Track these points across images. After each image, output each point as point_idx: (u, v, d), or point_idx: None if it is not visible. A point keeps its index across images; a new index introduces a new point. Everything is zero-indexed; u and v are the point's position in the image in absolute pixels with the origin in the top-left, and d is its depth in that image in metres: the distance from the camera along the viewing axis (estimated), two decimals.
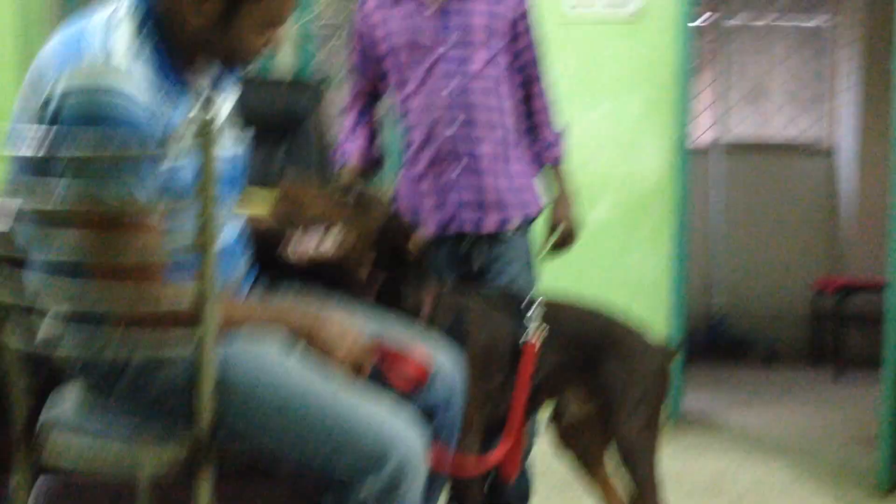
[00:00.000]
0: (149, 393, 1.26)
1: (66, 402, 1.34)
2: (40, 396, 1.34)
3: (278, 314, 1.32)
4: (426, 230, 2.15)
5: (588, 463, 2.00)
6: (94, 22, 1.22)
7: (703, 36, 5.37)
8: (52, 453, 1.29)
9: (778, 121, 5.64)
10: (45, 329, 1.29)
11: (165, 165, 1.22)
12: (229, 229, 1.41)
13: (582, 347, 1.82)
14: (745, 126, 5.63)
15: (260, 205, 2.00)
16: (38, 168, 1.18)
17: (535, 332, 1.77)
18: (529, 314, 1.79)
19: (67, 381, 1.34)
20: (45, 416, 1.32)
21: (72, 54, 1.16)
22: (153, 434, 1.28)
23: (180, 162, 1.23)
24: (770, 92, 5.64)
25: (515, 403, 1.72)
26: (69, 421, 1.31)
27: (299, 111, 2.89)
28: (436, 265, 2.17)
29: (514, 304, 1.83)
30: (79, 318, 1.25)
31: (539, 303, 1.83)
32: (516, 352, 1.75)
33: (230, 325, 1.26)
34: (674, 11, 3.43)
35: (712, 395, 4.30)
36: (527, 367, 1.74)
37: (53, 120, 1.14)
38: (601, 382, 1.81)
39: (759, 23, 5.58)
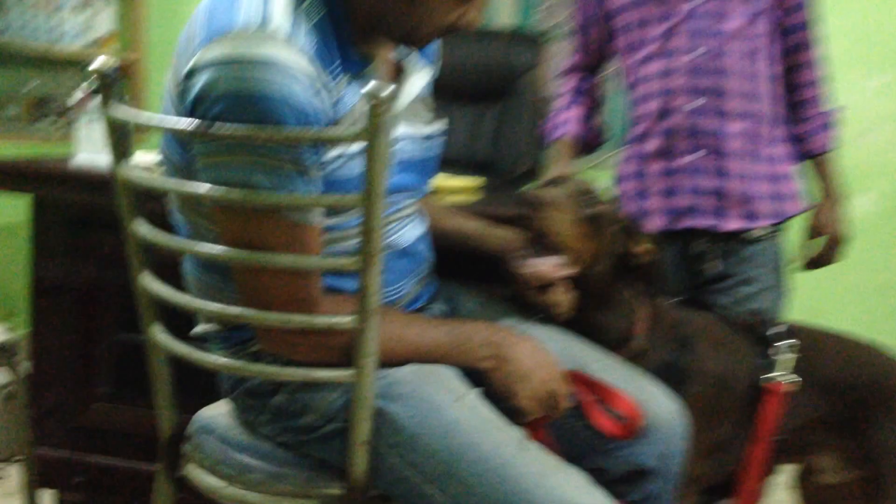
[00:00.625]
0: (299, 419, 1.07)
1: (218, 413, 1.18)
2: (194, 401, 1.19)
3: (457, 337, 1.08)
4: (650, 223, 1.81)
5: None
6: None
7: None
8: (194, 465, 1.14)
9: None
10: (198, 329, 1.14)
11: (333, 153, 0.99)
12: (411, 228, 1.18)
13: (844, 398, 1.42)
14: None
15: (455, 192, 1.78)
16: (183, 149, 1.00)
17: (783, 369, 1.39)
18: (777, 345, 1.41)
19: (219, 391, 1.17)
20: (193, 425, 1.17)
21: (223, 17, 0.95)
22: (303, 467, 1.09)
23: (352, 150, 1.01)
24: None
25: (750, 460, 1.37)
26: (219, 433, 1.15)
27: (516, 68, 2.69)
28: (658, 269, 1.84)
29: (757, 329, 1.46)
30: (227, 323, 1.08)
31: (790, 330, 1.44)
32: (756, 394, 1.39)
33: (396, 349, 1.05)
34: None
35: None
36: (770, 415, 1.37)
37: (198, 95, 0.93)
38: (868, 451, 1.41)
39: None
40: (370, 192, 0.91)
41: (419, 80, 1.22)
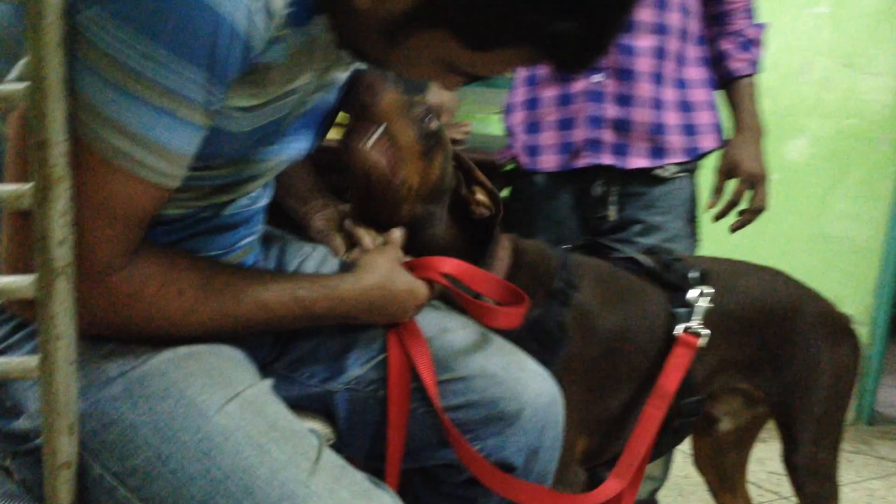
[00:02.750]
0: (11, 421, 0.78)
1: None
2: None
3: (317, 301, 0.86)
4: (543, 161, 1.53)
5: (731, 485, 1.52)
6: None
7: None
8: None
9: None
10: None
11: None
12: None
13: (755, 335, 1.29)
14: None
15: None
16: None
17: (696, 317, 1.19)
18: (688, 290, 1.21)
19: None
20: None
21: None
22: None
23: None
24: None
25: (646, 422, 1.14)
26: None
27: None
28: (556, 213, 1.56)
29: (667, 274, 1.25)
30: None
31: (703, 273, 1.24)
32: (662, 348, 1.20)
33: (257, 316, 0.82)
34: None
35: None
36: (674, 372, 1.16)
37: None
38: (778, 383, 1.30)
39: None
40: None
41: None
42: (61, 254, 0.65)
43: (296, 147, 0.91)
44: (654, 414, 1.13)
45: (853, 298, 2.69)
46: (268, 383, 0.83)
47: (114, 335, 0.77)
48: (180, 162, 0.72)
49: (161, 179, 0.72)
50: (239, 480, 0.72)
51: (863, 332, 2.75)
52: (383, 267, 0.93)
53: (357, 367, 0.98)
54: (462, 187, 1.10)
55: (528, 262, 1.16)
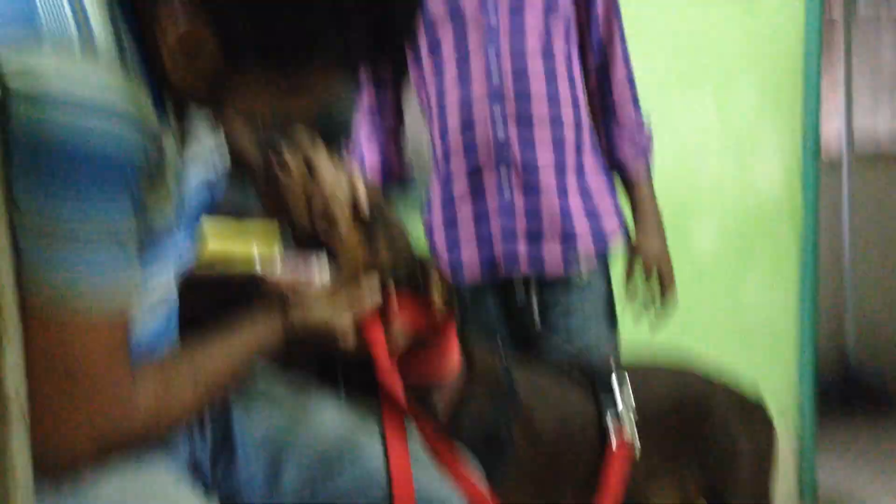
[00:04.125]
0: None
1: None
2: None
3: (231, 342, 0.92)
4: (468, 273, 1.56)
5: None
6: None
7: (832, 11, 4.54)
8: None
9: None
10: None
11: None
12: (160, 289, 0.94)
13: (673, 429, 1.37)
14: (888, 128, 4.73)
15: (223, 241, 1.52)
16: None
17: (625, 418, 1.27)
18: (613, 391, 1.29)
19: None
20: None
21: (18, 16, 0.72)
22: None
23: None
24: None
25: None
26: None
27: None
28: (482, 323, 1.59)
29: (589, 375, 1.32)
30: None
31: (621, 373, 1.31)
32: (595, 448, 1.26)
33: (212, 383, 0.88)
34: None
35: (852, 464, 3.43)
36: (617, 472, 1.23)
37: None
38: (703, 473, 1.39)
39: None
40: None
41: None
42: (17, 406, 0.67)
43: (179, 258, 0.93)
44: None
45: (777, 382, 2.71)
46: None
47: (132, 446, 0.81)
48: (137, 277, 0.81)
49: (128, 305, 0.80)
50: None
51: (792, 413, 2.76)
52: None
53: None
54: (418, 284, 1.11)
55: (477, 363, 1.19)
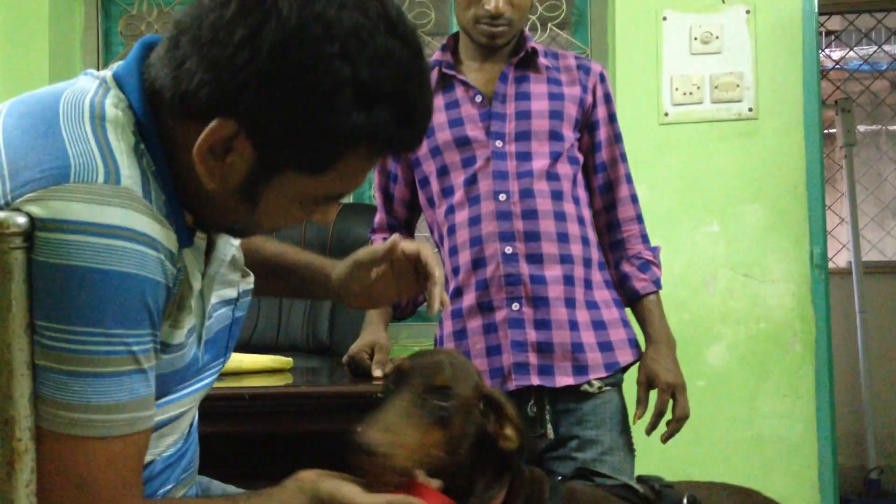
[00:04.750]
0: None
1: None
2: None
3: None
4: None
5: None
6: (72, 106, 0.81)
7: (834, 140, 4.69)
8: None
9: None
10: None
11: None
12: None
13: None
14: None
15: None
16: None
17: None
18: None
19: None
20: None
21: (48, 153, 0.76)
22: None
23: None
24: None
25: None
26: None
27: (353, 240, 2.53)
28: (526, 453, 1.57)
29: (654, 498, 1.25)
30: None
31: (687, 495, 1.25)
32: None
33: None
34: (797, 108, 2.82)
35: None
36: None
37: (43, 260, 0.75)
38: None
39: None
40: None
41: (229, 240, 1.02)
42: None
43: (207, 382, 0.97)
44: None
45: (799, 497, 2.70)
46: None
47: None
48: (153, 398, 0.82)
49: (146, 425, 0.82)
50: None
51: None
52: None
53: None
54: (490, 423, 1.11)
55: (522, 488, 1.16)
